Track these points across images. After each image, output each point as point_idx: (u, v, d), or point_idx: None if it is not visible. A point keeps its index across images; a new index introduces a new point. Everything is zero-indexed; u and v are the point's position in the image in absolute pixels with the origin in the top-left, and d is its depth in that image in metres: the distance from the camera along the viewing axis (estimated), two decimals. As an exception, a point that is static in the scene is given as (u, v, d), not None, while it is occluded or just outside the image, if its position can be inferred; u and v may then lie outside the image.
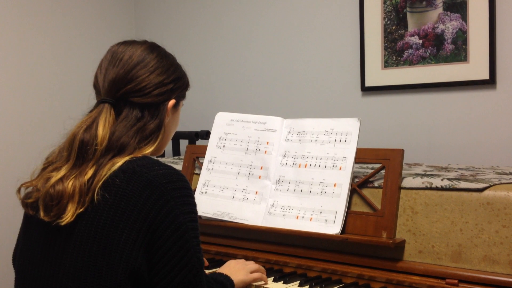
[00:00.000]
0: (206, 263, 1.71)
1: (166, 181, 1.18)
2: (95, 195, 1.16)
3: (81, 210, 1.16)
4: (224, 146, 1.91)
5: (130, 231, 1.14)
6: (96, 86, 1.31)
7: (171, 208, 1.16)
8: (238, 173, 1.85)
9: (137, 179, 1.17)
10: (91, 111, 1.28)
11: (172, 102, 1.32)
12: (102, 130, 1.21)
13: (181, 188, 1.20)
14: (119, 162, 1.19)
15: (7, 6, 2.90)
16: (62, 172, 1.20)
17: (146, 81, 1.27)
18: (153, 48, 1.33)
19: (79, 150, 1.21)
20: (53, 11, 3.10)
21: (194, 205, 1.23)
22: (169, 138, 1.39)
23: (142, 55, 1.29)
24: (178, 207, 1.17)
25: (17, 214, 1.29)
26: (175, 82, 1.33)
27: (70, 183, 1.17)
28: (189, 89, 1.41)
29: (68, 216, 1.15)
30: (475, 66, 2.29)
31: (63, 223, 1.15)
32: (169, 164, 2.26)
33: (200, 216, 1.88)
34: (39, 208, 1.20)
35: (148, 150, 1.26)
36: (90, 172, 1.18)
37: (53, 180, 1.19)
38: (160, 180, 1.17)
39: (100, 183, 1.17)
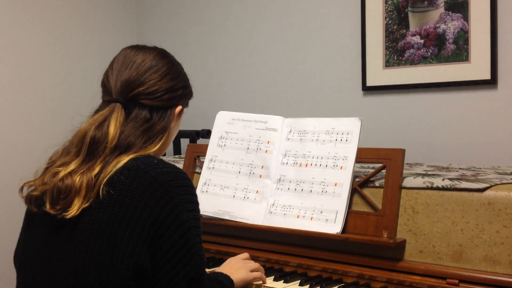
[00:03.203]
0: None
1: (170, 178, 1.20)
2: (101, 191, 1.18)
3: (86, 205, 1.18)
4: (225, 145, 1.91)
5: (134, 227, 1.15)
6: (106, 85, 1.34)
7: (175, 205, 1.18)
8: (239, 172, 1.85)
9: (141, 176, 1.19)
10: (99, 110, 1.32)
11: (179, 108, 1.37)
12: (113, 129, 1.24)
13: (185, 186, 1.22)
14: (124, 159, 1.22)
15: (12, 8, 2.91)
16: (71, 167, 1.22)
17: (157, 85, 1.32)
18: (164, 54, 1.38)
19: (90, 147, 1.23)
20: (58, 14, 3.10)
21: (197, 203, 1.26)
22: (170, 142, 1.42)
23: (155, 60, 1.34)
24: (182, 205, 1.19)
25: (19, 214, 1.29)
26: (184, 89, 1.39)
27: (78, 178, 1.19)
28: (192, 98, 1.46)
29: (74, 210, 1.17)
30: (476, 66, 2.29)
31: (68, 216, 1.17)
32: (170, 162, 2.26)
33: (201, 215, 1.88)
34: (44, 202, 1.22)
35: (152, 149, 1.29)
36: (97, 169, 1.20)
37: (62, 173, 1.21)
38: (164, 177, 1.20)
39: (106, 179, 1.19)
